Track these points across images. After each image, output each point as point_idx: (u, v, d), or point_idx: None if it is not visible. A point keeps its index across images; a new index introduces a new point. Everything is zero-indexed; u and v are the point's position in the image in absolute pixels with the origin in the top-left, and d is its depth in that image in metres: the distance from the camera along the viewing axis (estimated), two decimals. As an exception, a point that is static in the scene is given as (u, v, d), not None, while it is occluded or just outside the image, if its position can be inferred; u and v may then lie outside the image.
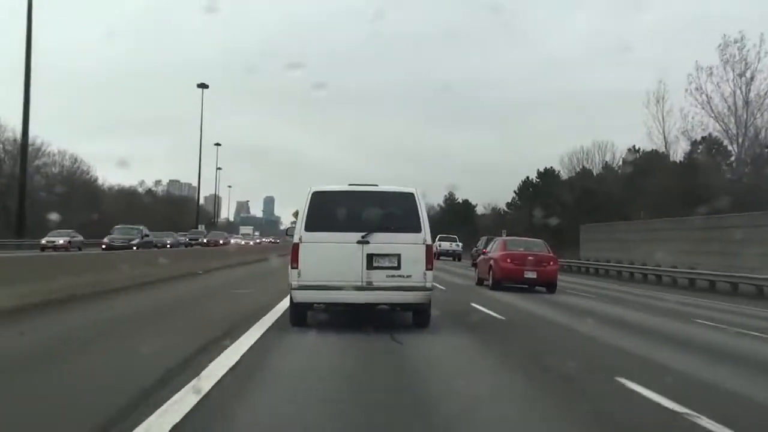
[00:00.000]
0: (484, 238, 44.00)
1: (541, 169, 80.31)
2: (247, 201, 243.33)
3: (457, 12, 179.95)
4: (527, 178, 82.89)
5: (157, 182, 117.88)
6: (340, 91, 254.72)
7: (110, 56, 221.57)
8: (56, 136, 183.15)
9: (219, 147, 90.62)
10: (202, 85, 65.43)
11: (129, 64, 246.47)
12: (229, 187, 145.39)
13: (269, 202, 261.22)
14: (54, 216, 45.72)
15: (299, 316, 10.98)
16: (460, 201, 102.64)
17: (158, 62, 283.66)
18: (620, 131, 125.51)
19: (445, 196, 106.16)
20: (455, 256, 57.61)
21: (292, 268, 10.66)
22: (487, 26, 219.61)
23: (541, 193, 74.06)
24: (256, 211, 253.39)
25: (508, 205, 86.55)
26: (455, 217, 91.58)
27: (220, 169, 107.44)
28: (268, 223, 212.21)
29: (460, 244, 59.40)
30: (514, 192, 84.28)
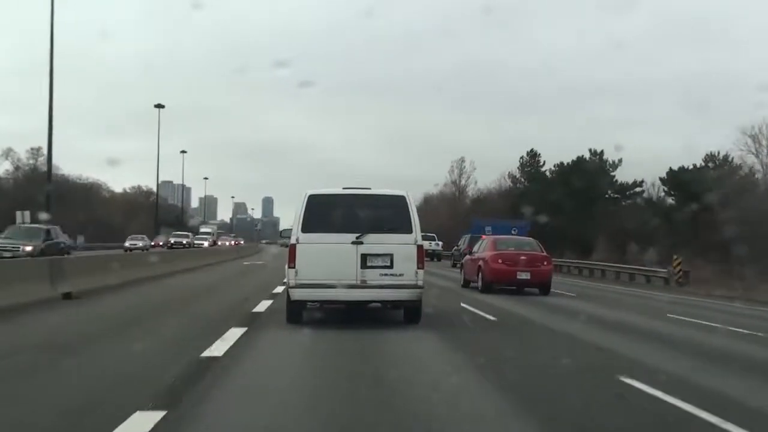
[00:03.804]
0: (466, 237, 41.50)
1: None
2: (244, 202, 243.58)
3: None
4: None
5: (8, 151, 78.05)
6: (351, 86, 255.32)
7: (101, 54, 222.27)
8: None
9: (162, 109, 66.11)
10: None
11: (121, 62, 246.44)
12: (206, 179, 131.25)
13: (268, 203, 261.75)
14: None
15: (295, 313, 11.48)
16: (564, 162, 66.28)
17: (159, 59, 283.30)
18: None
19: (522, 158, 73.16)
20: (434, 255, 53.59)
21: (290, 267, 11.14)
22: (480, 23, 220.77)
23: None
24: (256, 213, 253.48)
25: None
26: (547, 188, 62.28)
27: (184, 152, 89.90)
28: (267, 224, 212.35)
29: (440, 243, 55.99)
30: None
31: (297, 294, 11.21)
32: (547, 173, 70.28)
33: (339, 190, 11.91)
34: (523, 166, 73.21)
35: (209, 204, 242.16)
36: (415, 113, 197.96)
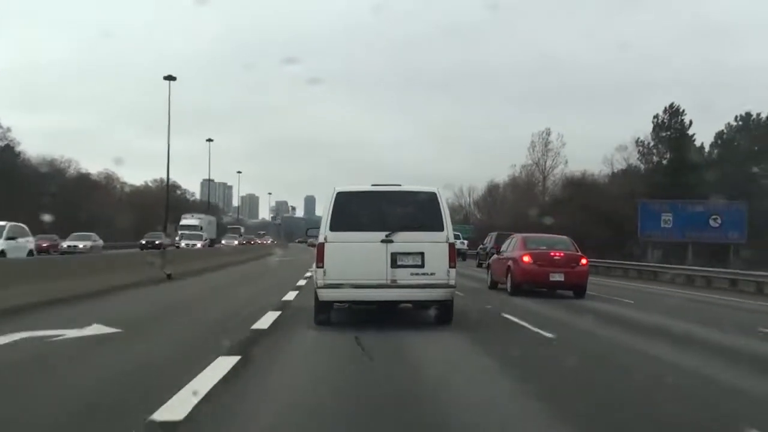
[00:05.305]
0: (492, 235, 39.02)
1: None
2: (286, 201, 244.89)
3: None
4: None
5: None
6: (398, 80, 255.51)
7: (105, 52, 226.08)
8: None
9: (173, 81, 50.04)
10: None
11: (125, 60, 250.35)
12: (239, 172, 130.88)
13: (310, 202, 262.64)
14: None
15: (323, 314, 11.23)
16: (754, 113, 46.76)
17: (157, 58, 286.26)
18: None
19: (657, 118, 50.72)
20: (459, 255, 47.71)
21: (318, 267, 10.90)
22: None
23: None
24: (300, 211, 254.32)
25: None
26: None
27: (211, 140, 76.29)
28: (309, 222, 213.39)
29: (465, 241, 52.98)
30: None
31: (325, 294, 10.94)
32: (724, 130, 48.42)
33: (368, 187, 11.48)
34: (657, 128, 49.72)
35: (251, 202, 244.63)
36: (475, 108, 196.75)
